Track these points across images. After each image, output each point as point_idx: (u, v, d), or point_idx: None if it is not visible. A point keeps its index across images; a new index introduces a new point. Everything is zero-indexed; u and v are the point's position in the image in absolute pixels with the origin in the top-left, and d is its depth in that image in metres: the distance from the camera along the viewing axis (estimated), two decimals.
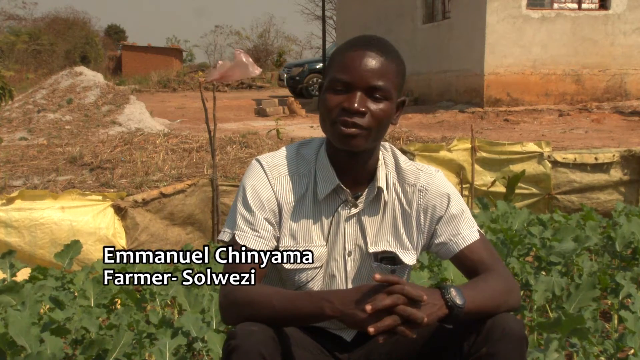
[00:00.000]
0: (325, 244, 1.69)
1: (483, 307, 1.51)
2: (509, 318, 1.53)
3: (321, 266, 1.70)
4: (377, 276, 1.44)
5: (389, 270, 1.71)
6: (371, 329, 1.39)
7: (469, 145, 6.23)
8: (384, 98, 1.58)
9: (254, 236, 1.63)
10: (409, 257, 1.72)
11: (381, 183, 1.69)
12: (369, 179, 1.70)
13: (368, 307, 1.40)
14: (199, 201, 5.25)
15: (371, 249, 1.71)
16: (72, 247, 3.85)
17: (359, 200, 1.70)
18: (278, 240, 1.68)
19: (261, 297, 1.53)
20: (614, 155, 6.30)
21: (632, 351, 2.69)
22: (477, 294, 1.51)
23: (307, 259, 1.68)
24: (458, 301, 1.47)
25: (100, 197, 4.87)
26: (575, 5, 13.42)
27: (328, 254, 1.70)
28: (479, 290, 1.53)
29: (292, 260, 1.68)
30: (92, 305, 3.23)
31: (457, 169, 6.13)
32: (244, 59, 5.32)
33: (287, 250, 1.68)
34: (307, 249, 1.68)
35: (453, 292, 1.48)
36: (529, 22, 13.05)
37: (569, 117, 12.15)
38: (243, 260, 1.61)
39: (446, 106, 13.85)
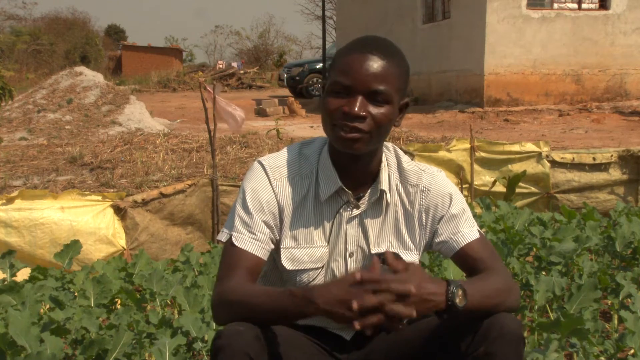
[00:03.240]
0: (326, 245, 1.69)
1: (482, 305, 1.51)
2: (507, 317, 1.53)
3: (322, 267, 1.70)
4: (358, 275, 1.41)
5: (392, 271, 1.71)
6: (357, 326, 1.38)
7: (468, 145, 6.23)
8: (385, 102, 1.58)
9: (250, 238, 1.63)
10: (411, 258, 1.72)
11: (384, 185, 1.69)
12: (371, 179, 1.70)
13: (355, 305, 1.38)
14: (199, 201, 5.24)
15: (373, 250, 1.70)
16: (72, 247, 3.85)
17: (361, 202, 1.69)
18: (277, 242, 1.68)
19: (248, 297, 1.52)
20: (612, 155, 6.31)
21: (632, 351, 2.69)
22: (476, 292, 1.51)
23: (308, 260, 1.68)
24: (458, 302, 1.46)
25: (99, 197, 4.87)
26: (575, 5, 13.42)
27: (329, 255, 1.70)
28: (479, 288, 1.53)
29: (293, 261, 1.68)
30: (92, 305, 3.23)
31: (456, 169, 6.13)
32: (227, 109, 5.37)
33: (288, 251, 1.68)
34: (308, 250, 1.68)
35: (459, 291, 1.46)
36: (529, 22, 13.05)
37: (569, 117, 12.15)
38: (238, 262, 1.61)
39: (446, 106, 13.86)
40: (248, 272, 1.60)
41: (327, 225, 1.69)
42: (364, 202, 1.70)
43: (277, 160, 1.70)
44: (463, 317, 1.50)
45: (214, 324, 2.90)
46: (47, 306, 3.33)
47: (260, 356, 1.46)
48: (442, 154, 6.12)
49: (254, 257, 1.62)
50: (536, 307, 3.09)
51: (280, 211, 1.67)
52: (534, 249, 3.88)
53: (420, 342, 1.62)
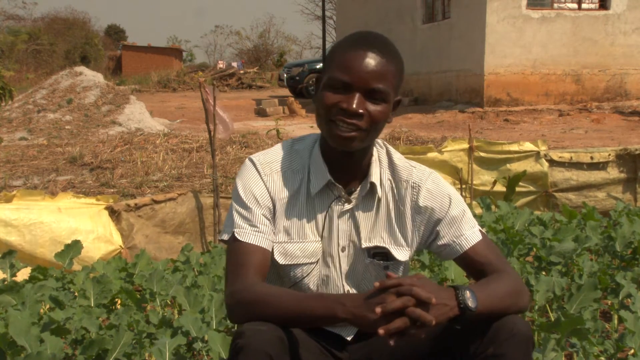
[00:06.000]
0: (319, 239, 1.69)
1: (493, 309, 1.51)
2: (516, 319, 1.53)
3: (317, 262, 1.70)
4: (377, 284, 1.44)
5: (382, 266, 1.72)
6: (381, 331, 1.39)
7: (463, 146, 6.23)
8: (382, 100, 1.58)
9: (254, 232, 1.63)
10: (402, 254, 1.72)
11: (374, 179, 1.69)
12: (362, 175, 1.70)
13: (378, 310, 1.39)
14: (189, 210, 5.30)
15: (364, 245, 1.71)
16: (73, 247, 3.85)
17: (352, 196, 1.70)
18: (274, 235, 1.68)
19: (270, 298, 1.52)
20: (609, 155, 6.34)
21: (632, 351, 2.69)
22: (488, 296, 1.51)
23: (301, 255, 1.68)
24: (471, 304, 1.46)
25: (93, 200, 4.91)
26: (575, 5, 13.41)
27: (323, 249, 1.70)
28: (490, 292, 1.53)
29: (285, 256, 1.68)
30: (92, 305, 3.23)
31: (450, 171, 6.10)
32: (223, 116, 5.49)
33: (280, 246, 1.68)
34: (301, 244, 1.68)
35: (467, 293, 1.47)
36: (529, 22, 13.05)
37: (569, 117, 12.15)
38: (246, 257, 1.61)
39: (446, 106, 13.85)
40: (258, 267, 1.60)
41: (320, 220, 1.69)
42: (355, 197, 1.70)
43: (268, 156, 1.71)
44: (478, 320, 1.50)
45: (214, 323, 2.90)
46: (47, 306, 3.33)
47: (280, 356, 1.46)
48: (432, 155, 6.10)
49: (260, 249, 1.62)
50: (536, 307, 3.09)
51: (273, 205, 1.67)
52: (534, 249, 3.88)
53: (426, 343, 1.61)
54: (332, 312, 1.46)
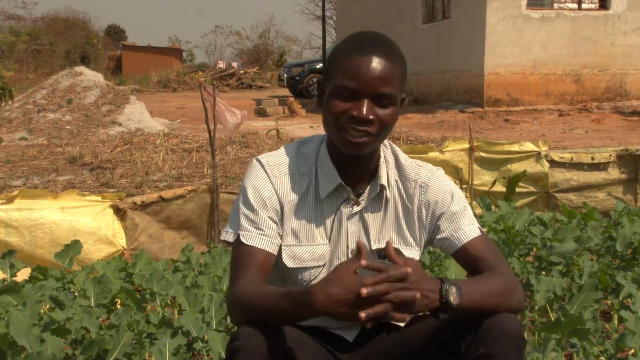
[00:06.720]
0: (328, 242, 1.69)
1: (480, 305, 1.51)
2: (507, 318, 1.52)
3: (324, 265, 1.70)
4: (364, 262, 1.40)
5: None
6: (362, 314, 1.37)
7: (464, 146, 6.23)
8: (390, 104, 1.58)
9: (259, 235, 1.63)
10: (412, 253, 1.72)
11: (383, 180, 1.69)
12: (370, 176, 1.70)
13: (364, 291, 1.36)
14: (196, 207, 5.29)
15: (374, 246, 1.70)
16: (72, 247, 3.85)
17: (360, 198, 1.70)
18: (281, 238, 1.68)
19: (258, 298, 1.52)
20: (610, 155, 6.33)
21: (632, 351, 2.69)
22: (475, 292, 1.51)
23: (309, 258, 1.68)
24: (453, 300, 1.46)
25: (99, 198, 4.88)
26: (575, 5, 13.41)
27: (331, 252, 1.70)
28: (479, 289, 1.52)
29: (294, 259, 1.68)
30: (92, 305, 3.23)
31: (451, 170, 6.10)
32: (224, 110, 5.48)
33: (289, 249, 1.68)
34: (309, 247, 1.68)
35: (453, 289, 1.46)
36: (529, 22, 13.05)
37: (569, 117, 12.15)
38: (248, 260, 1.61)
39: (446, 106, 13.86)
40: (259, 269, 1.60)
41: (328, 223, 1.69)
42: (363, 199, 1.70)
43: (275, 158, 1.70)
44: (464, 315, 1.50)
45: (214, 323, 2.90)
46: (48, 306, 3.33)
47: (275, 357, 1.46)
48: (434, 155, 6.10)
49: (264, 252, 1.62)
50: (537, 307, 3.09)
51: (281, 208, 1.67)
52: (535, 249, 3.88)
53: (421, 342, 1.61)
54: (300, 311, 1.44)
